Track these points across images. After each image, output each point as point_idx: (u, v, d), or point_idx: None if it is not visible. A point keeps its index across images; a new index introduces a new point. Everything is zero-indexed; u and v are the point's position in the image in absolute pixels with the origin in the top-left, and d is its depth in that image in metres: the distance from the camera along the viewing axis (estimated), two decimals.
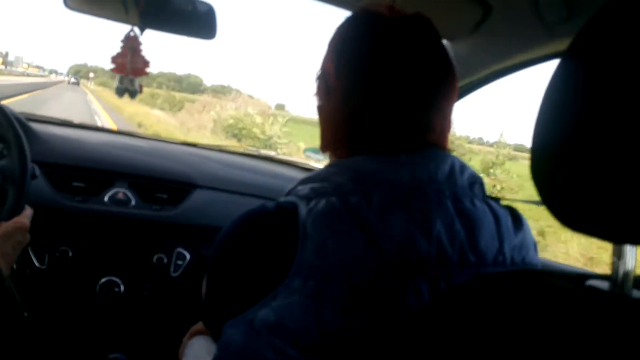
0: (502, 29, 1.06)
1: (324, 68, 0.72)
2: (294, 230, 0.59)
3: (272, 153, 2.11)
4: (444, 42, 0.72)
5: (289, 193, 0.68)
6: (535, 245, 0.73)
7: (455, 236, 0.62)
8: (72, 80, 79.83)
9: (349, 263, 0.57)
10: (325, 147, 0.75)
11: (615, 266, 0.42)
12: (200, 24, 1.27)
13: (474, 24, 1.09)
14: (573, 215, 0.40)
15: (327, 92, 0.71)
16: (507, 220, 0.68)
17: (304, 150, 2.07)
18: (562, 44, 0.95)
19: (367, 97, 0.67)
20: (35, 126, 1.50)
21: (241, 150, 2.14)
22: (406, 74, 0.66)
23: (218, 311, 0.67)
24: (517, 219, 0.70)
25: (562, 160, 0.39)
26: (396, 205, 0.61)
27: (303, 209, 0.61)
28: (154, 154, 1.63)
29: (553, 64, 0.42)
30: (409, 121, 0.67)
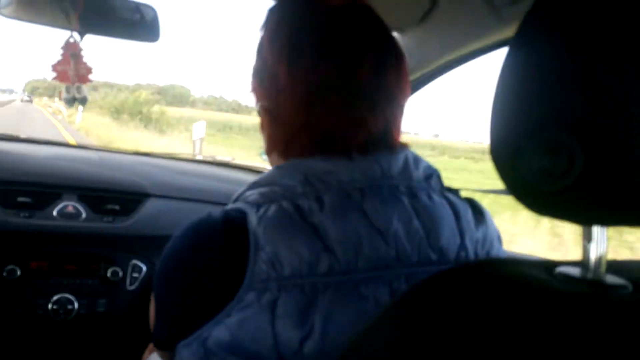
0: (451, 16, 1.05)
1: (269, 65, 0.67)
2: (244, 241, 0.56)
3: (227, 159, 2.07)
4: (394, 34, 0.70)
5: (237, 199, 0.64)
6: (499, 237, 0.72)
7: (413, 234, 0.60)
8: (25, 98, 74.04)
9: (303, 271, 0.54)
10: (272, 150, 0.70)
11: (585, 250, 0.40)
12: (143, 26, 1.23)
13: (421, 13, 1.08)
14: (538, 200, 0.39)
15: (277, 91, 0.66)
16: (467, 214, 0.66)
17: (260, 154, 2.05)
18: (512, 30, 0.95)
19: (327, 96, 0.63)
20: None
21: (196, 157, 2.10)
22: (363, 69, 0.63)
23: (168, 331, 0.63)
24: (478, 212, 0.68)
25: (523, 145, 0.38)
26: (349, 206, 0.59)
27: (253, 216, 0.57)
28: (104, 165, 1.59)
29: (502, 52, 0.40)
30: (365, 117, 0.64)
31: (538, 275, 0.41)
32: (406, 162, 0.65)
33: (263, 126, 0.71)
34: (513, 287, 0.40)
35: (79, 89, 1.18)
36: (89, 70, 1.22)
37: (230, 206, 0.62)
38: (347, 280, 0.56)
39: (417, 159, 0.67)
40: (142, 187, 1.52)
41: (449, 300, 0.41)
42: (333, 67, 0.62)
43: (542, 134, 0.36)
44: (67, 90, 1.17)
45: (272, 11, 0.69)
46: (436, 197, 0.64)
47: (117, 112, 30.69)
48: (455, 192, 0.69)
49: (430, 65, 1.23)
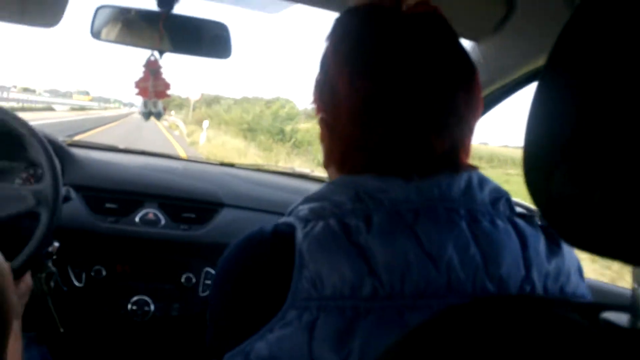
0: (531, 22, 0.97)
1: (330, 77, 0.65)
2: (291, 256, 0.55)
3: (306, 171, 2.10)
4: (468, 43, 0.65)
5: (290, 213, 0.63)
6: (580, 270, 0.64)
7: (469, 262, 0.55)
8: (142, 111, 78.86)
9: (345, 293, 0.52)
10: (330, 164, 0.69)
11: (636, 295, 0.35)
12: (216, 43, 1.30)
13: (497, 20, 1.00)
14: (578, 231, 0.33)
15: (336, 104, 0.64)
16: (537, 243, 0.59)
17: None
18: None
19: (387, 111, 0.60)
20: (76, 151, 1.58)
21: (277, 169, 2.15)
22: (430, 84, 0.60)
23: (217, 341, 0.63)
24: (553, 241, 0.62)
25: (556, 166, 0.33)
26: (400, 228, 0.55)
27: (300, 232, 0.56)
28: (185, 175, 1.67)
29: None
30: (428, 138, 0.60)
31: (576, 319, 0.36)
32: (469, 184, 0.60)
33: (322, 139, 0.70)
34: (537, 330, 0.35)
35: (155, 104, 1.26)
36: (167, 86, 1.30)
37: (282, 220, 0.61)
38: (391, 306, 0.53)
39: (482, 181, 0.62)
40: (217, 197, 1.59)
41: (459, 337, 0.37)
42: (395, 80, 0.59)
43: (576, 157, 0.32)
44: (145, 105, 1.26)
45: (338, 21, 0.67)
46: (500, 223, 0.59)
47: (250, 131, 24.30)
48: (529, 218, 0.63)
49: (510, 76, 1.15)
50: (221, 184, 1.66)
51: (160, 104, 1.35)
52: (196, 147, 17.95)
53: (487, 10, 1.01)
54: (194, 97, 38.88)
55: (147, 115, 1.35)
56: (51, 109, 31.53)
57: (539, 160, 0.35)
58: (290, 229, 0.58)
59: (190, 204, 1.54)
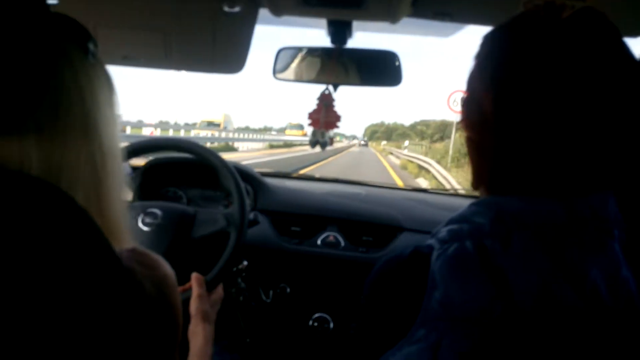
0: None
1: (476, 95, 0.63)
2: (424, 278, 0.57)
3: None
4: None
5: (433, 234, 0.64)
6: None
7: (620, 286, 0.51)
8: (362, 142, 75.50)
9: (473, 315, 0.52)
10: (479, 185, 0.67)
11: None
12: (388, 72, 1.33)
13: None
14: None
15: (482, 123, 0.62)
16: None
17: None
18: None
19: (537, 132, 0.57)
20: (269, 180, 1.78)
21: (474, 193, 2.07)
22: (589, 101, 0.55)
23: (359, 355, 0.67)
24: None
25: None
26: (539, 249, 0.53)
27: (435, 254, 0.58)
28: (366, 200, 1.74)
29: None
30: (584, 159, 0.56)
31: None
32: None
33: (471, 159, 0.68)
34: None
35: (322, 134, 1.34)
36: (337, 118, 1.37)
37: (428, 241, 0.63)
38: (524, 328, 0.51)
39: None
40: (397, 221, 1.61)
41: None
42: (545, 100, 0.56)
43: None
44: (314, 134, 1.35)
45: (486, 38, 0.65)
46: None
47: None
48: None
49: None
50: (402, 209, 1.68)
51: (327, 135, 1.43)
52: None
53: None
54: (453, 116, 16.74)
55: (314, 144, 1.44)
56: (232, 149, 23.51)
57: None
58: (429, 250, 0.59)
59: (369, 227, 1.60)
